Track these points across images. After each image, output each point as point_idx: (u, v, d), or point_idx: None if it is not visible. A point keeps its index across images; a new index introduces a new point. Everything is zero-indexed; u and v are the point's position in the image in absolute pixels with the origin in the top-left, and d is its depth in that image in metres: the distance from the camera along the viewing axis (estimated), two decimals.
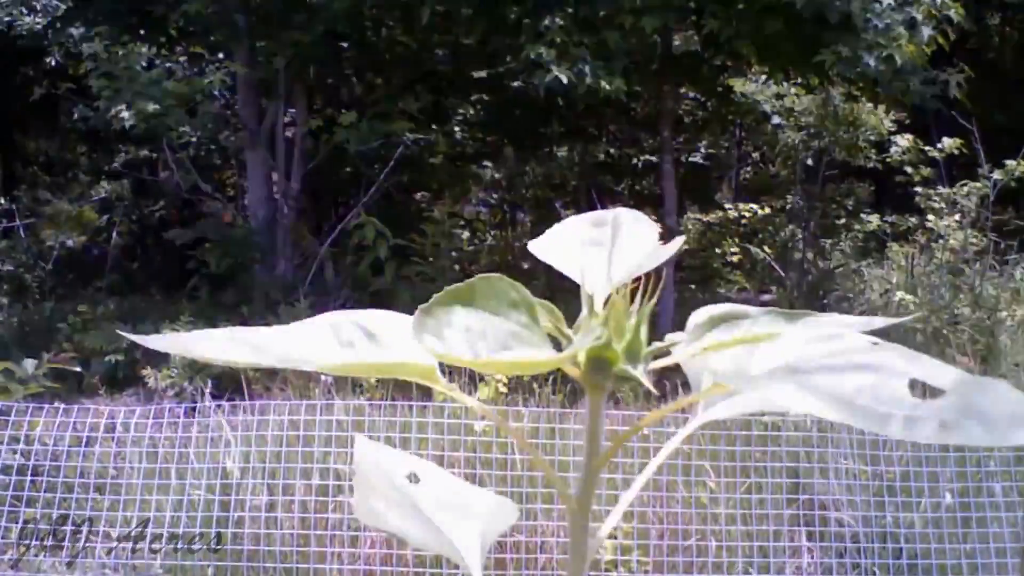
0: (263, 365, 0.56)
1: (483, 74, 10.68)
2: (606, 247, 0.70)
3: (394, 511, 0.66)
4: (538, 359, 0.53)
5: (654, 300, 0.62)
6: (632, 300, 0.62)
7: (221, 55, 9.72)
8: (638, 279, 0.64)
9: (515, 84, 9.79)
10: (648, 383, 0.59)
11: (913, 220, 10.00)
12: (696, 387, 0.63)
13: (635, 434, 0.66)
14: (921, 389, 0.50)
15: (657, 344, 0.62)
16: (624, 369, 0.59)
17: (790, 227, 11.63)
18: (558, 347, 0.60)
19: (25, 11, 9.76)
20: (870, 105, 9.95)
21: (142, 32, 9.02)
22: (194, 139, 8.93)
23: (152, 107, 7.77)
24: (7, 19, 9.83)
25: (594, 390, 0.62)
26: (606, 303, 0.62)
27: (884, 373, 0.51)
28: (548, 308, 0.63)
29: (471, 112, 12.01)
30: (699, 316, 0.61)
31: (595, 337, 0.59)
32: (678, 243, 0.68)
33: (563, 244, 0.71)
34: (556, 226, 0.73)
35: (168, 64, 8.56)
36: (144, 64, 8.03)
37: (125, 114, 7.76)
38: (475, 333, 0.52)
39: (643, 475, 0.68)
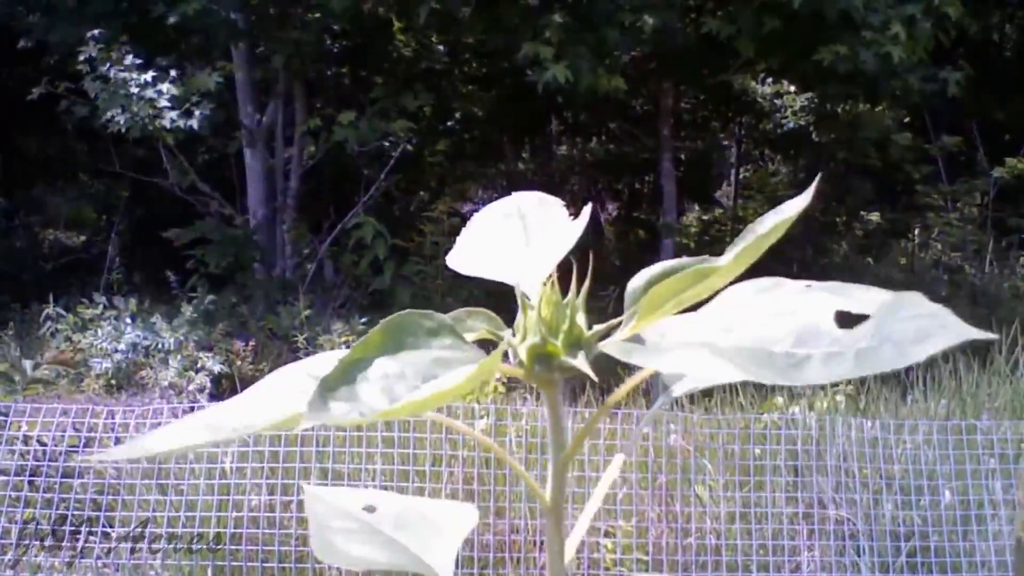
0: (220, 441, 0.56)
1: (482, 72, 10.68)
2: (521, 239, 0.68)
3: (355, 541, 0.65)
4: (456, 384, 0.50)
5: (587, 283, 0.61)
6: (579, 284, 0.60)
7: (219, 54, 9.71)
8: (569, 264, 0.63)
9: (514, 82, 9.79)
10: (588, 370, 0.57)
11: (913, 216, 10.01)
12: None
13: (591, 429, 0.64)
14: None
15: (597, 327, 0.60)
16: (565, 361, 0.58)
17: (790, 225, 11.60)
18: (504, 354, 0.59)
19: (24, 10, 9.75)
20: (869, 103, 9.95)
21: (140, 32, 9.01)
22: (192, 139, 8.91)
23: (148, 110, 7.77)
24: (6, 18, 9.82)
25: (546, 387, 0.61)
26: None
27: (810, 312, 0.50)
28: (484, 315, 0.62)
29: (470, 110, 12.01)
30: (637, 280, 0.60)
31: (532, 335, 0.58)
32: (586, 215, 0.67)
33: (480, 250, 0.69)
34: (464, 233, 0.71)
35: (164, 63, 8.55)
36: (140, 63, 8.02)
37: (120, 118, 7.76)
38: (393, 377, 0.50)
39: (611, 468, 0.68)
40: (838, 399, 4.78)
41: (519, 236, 0.69)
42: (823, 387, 4.85)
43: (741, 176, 14.51)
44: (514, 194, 0.73)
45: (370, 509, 0.69)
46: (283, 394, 0.58)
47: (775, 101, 10.80)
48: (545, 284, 0.60)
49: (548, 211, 0.71)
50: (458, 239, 0.71)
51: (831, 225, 11.64)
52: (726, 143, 14.26)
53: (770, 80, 10.37)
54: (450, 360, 0.53)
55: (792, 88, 10.29)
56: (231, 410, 0.57)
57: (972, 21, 8.31)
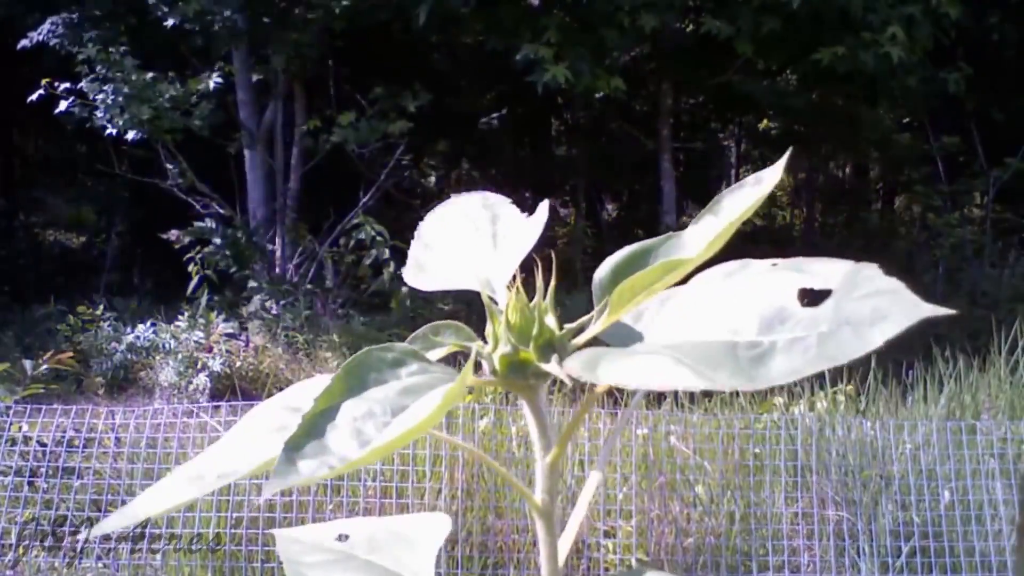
0: (206, 493, 0.54)
1: (482, 73, 10.68)
2: (476, 243, 0.67)
3: (332, 572, 0.65)
4: (422, 418, 0.48)
5: (552, 283, 0.58)
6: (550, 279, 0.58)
7: (219, 55, 9.71)
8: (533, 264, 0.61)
9: (514, 83, 9.80)
10: (561, 374, 0.55)
11: (912, 215, 10.01)
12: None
13: (575, 430, 0.61)
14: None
15: (569, 326, 0.58)
16: (539, 367, 0.57)
17: (790, 224, 11.63)
18: (477, 362, 0.57)
19: (24, 11, 9.75)
20: (868, 104, 9.95)
21: (140, 33, 9.01)
22: (192, 140, 8.92)
23: (147, 111, 7.78)
24: (6, 18, 9.82)
25: (524, 392, 0.59)
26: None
27: (775, 292, 0.48)
28: (451, 328, 0.60)
29: (470, 111, 12.01)
30: (603, 270, 0.58)
31: (503, 344, 0.57)
32: (544, 212, 0.66)
33: (437, 261, 0.67)
34: (413, 246, 0.69)
35: (164, 64, 8.55)
36: (138, 64, 8.03)
37: (120, 119, 7.76)
38: (361, 418, 0.49)
39: (597, 466, 0.67)
40: (838, 399, 4.78)
41: (473, 240, 0.67)
42: (823, 387, 4.85)
43: (741, 176, 14.52)
44: (455, 197, 0.71)
45: (342, 538, 0.68)
46: (262, 435, 0.56)
47: (775, 100, 10.80)
48: (510, 289, 0.58)
49: (498, 211, 0.69)
50: (409, 253, 0.69)
51: (830, 226, 11.65)
52: (726, 143, 14.28)
53: (770, 80, 10.36)
54: (419, 386, 0.51)
55: (791, 88, 10.28)
56: (213, 458, 0.56)
57: (972, 21, 8.31)
